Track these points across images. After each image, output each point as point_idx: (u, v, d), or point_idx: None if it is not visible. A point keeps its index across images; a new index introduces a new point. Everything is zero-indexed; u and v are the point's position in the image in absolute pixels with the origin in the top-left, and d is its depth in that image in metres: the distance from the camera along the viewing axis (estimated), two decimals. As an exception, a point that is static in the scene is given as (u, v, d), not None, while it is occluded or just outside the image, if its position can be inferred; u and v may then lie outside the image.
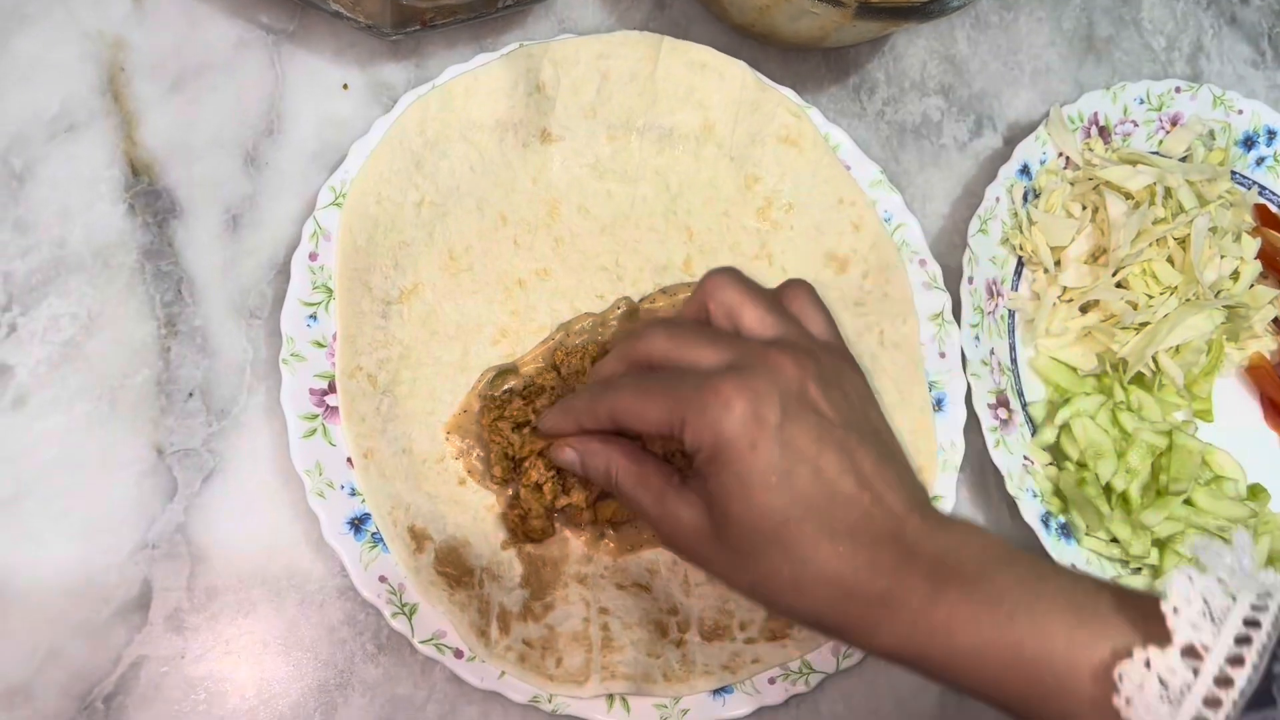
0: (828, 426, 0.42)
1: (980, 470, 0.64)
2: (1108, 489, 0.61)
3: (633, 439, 0.49)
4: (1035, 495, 0.61)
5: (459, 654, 0.51)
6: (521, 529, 0.54)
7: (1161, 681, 0.36)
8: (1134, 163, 0.67)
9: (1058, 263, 0.66)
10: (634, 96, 0.61)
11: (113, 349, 0.54)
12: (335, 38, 0.60)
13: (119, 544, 0.52)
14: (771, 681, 0.56)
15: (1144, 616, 0.38)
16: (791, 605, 0.42)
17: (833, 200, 0.64)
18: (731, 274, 0.48)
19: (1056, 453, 0.64)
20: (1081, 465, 0.62)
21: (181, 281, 0.56)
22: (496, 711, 0.54)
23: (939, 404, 0.62)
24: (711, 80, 0.62)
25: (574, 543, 0.56)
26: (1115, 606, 0.39)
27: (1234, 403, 0.70)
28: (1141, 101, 0.70)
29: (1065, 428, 0.63)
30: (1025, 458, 0.62)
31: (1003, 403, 0.62)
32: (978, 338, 0.63)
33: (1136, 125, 0.70)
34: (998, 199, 0.65)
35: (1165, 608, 0.37)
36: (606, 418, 0.47)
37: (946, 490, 0.61)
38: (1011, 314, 0.66)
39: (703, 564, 0.45)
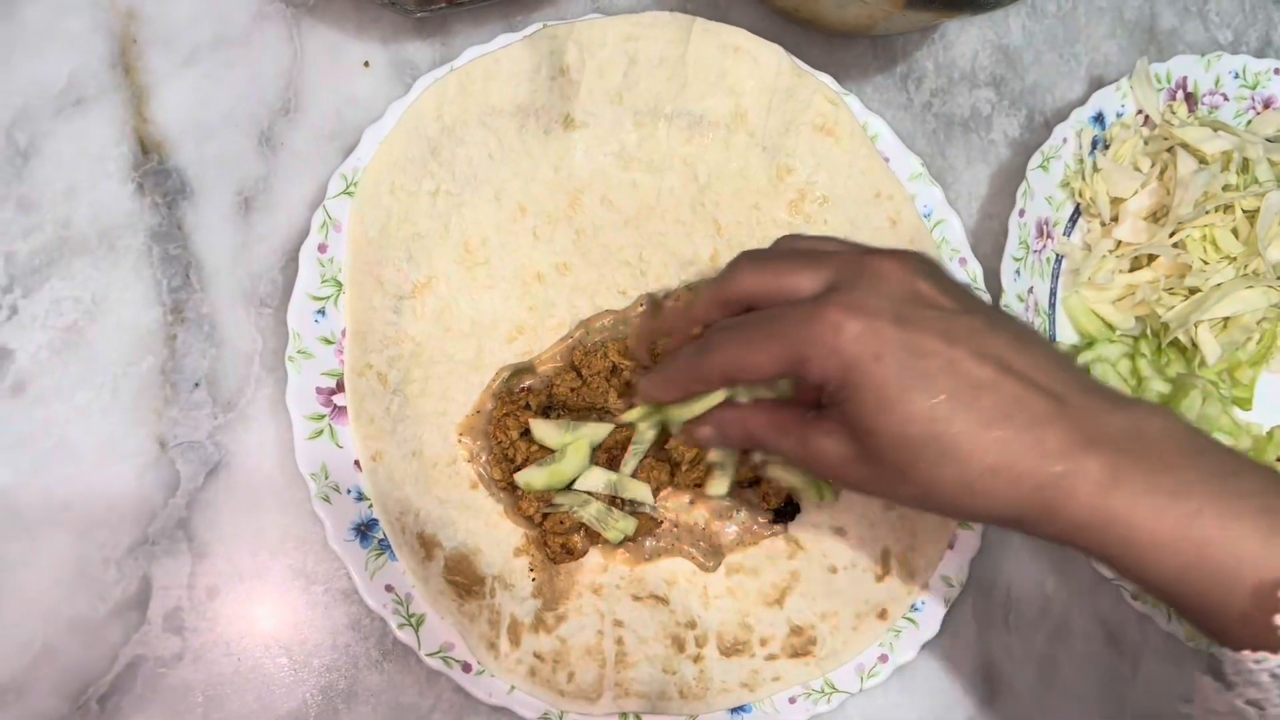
0: (949, 317, 0.41)
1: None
2: None
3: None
4: None
5: (467, 668, 0.50)
6: (563, 553, 0.53)
7: None
8: (1215, 129, 0.64)
9: (1115, 217, 0.64)
10: (663, 81, 0.58)
11: (116, 335, 0.52)
12: (358, 12, 0.58)
13: (118, 539, 0.50)
14: (792, 701, 0.54)
15: None
16: (965, 506, 0.41)
17: (869, 194, 0.60)
18: (795, 234, 0.48)
19: None
20: None
21: (190, 266, 0.54)
22: (504, 725, 0.52)
23: (976, 413, 0.59)
24: (745, 65, 0.59)
25: (590, 551, 0.54)
26: None
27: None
28: (1236, 76, 0.67)
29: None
30: None
31: None
32: (1018, 272, 0.60)
33: (1227, 99, 0.67)
34: (1065, 139, 0.63)
35: None
36: (717, 377, 0.45)
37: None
38: (1059, 259, 0.63)
39: (863, 488, 0.44)
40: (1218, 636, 0.39)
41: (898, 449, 0.40)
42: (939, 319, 0.40)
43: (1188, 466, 0.39)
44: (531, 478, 0.52)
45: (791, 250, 0.46)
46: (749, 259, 0.46)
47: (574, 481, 0.53)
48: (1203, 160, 0.63)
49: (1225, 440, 0.61)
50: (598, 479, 0.53)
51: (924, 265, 0.43)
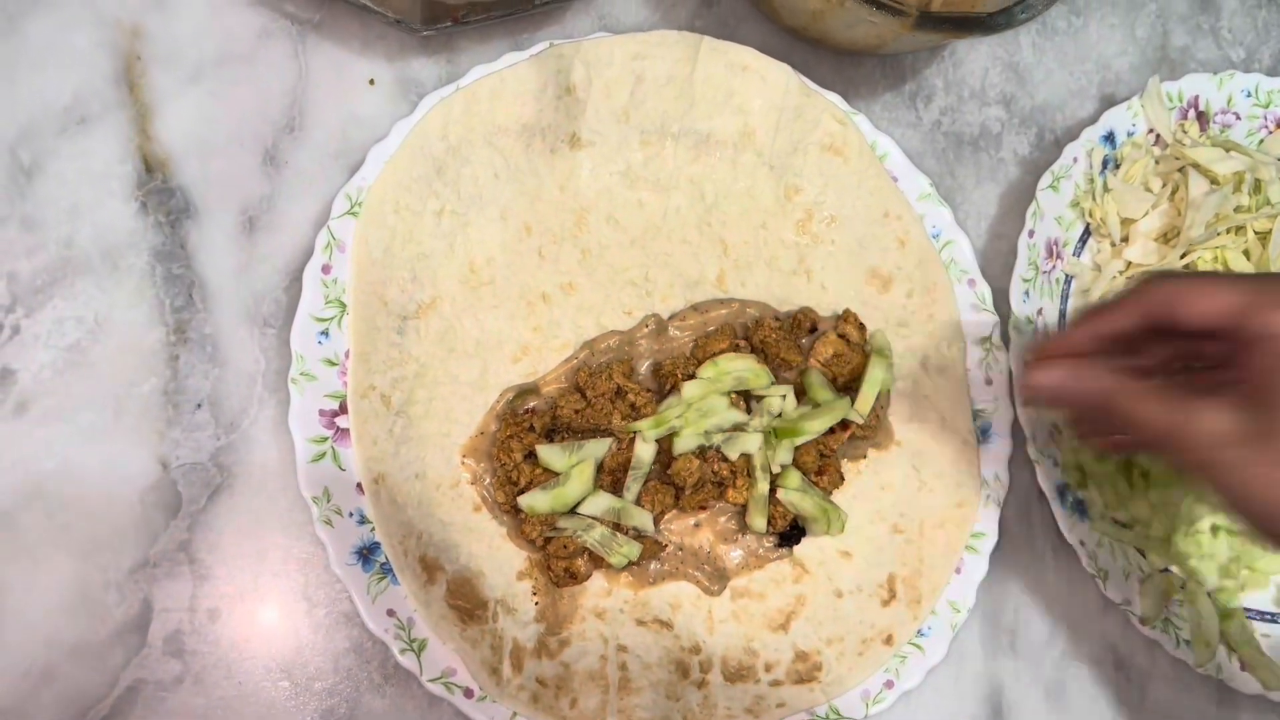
0: None
1: (1025, 507, 0.61)
2: (1129, 465, 0.60)
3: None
4: (1056, 464, 0.59)
5: (469, 693, 0.49)
6: (566, 576, 0.52)
7: None
8: (1227, 149, 0.63)
9: (1125, 238, 0.63)
10: (670, 100, 0.57)
11: (119, 355, 0.52)
12: (363, 30, 0.57)
13: (119, 561, 0.50)
14: (796, 727, 0.53)
15: None
16: None
17: (878, 214, 0.60)
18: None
19: None
20: None
21: (193, 286, 0.53)
22: (505, 750, 0.51)
23: (984, 434, 0.59)
24: (753, 84, 0.58)
25: (594, 574, 0.54)
26: None
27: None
28: (1249, 94, 0.66)
29: None
30: (1054, 425, 0.60)
31: None
32: (1027, 293, 0.60)
33: (1239, 118, 0.66)
34: (1075, 159, 0.62)
35: None
36: (1158, 303, 0.45)
37: (989, 528, 0.58)
38: (1068, 280, 0.63)
39: (1223, 468, 0.42)
40: None
41: None
42: None
43: None
44: (535, 501, 0.52)
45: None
46: (1163, 276, 0.47)
47: (578, 505, 0.52)
48: (1214, 181, 0.62)
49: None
50: (601, 503, 0.52)
51: None
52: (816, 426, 0.54)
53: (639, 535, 0.53)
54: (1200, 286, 0.44)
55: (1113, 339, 0.47)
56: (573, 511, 0.52)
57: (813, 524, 0.55)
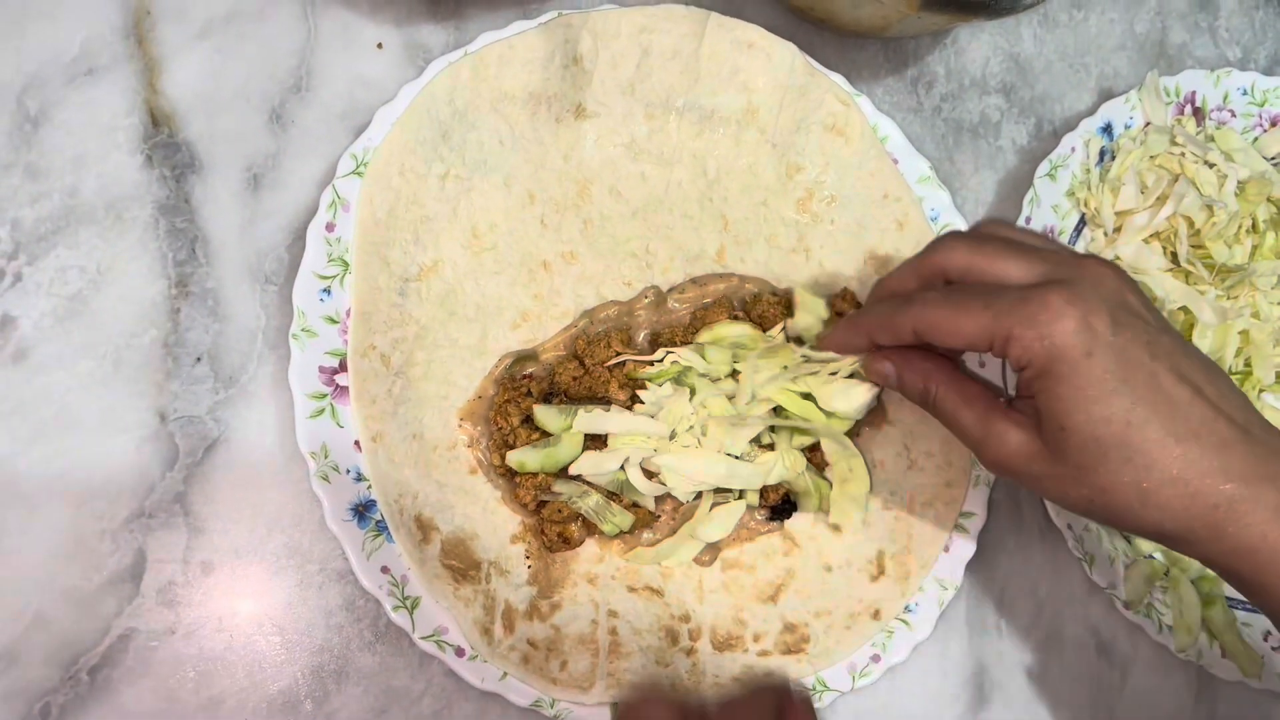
0: (1155, 333, 0.42)
1: (1014, 488, 0.61)
2: None
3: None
4: None
5: (460, 652, 0.49)
6: (559, 541, 0.53)
7: None
8: (1228, 157, 0.65)
9: (1119, 229, 0.64)
10: (675, 74, 0.58)
11: (120, 306, 0.52)
12: (372, -7, 0.58)
13: (114, 510, 0.50)
14: (782, 697, 0.53)
15: None
16: (1136, 515, 0.42)
17: (877, 195, 0.60)
18: (1001, 220, 0.48)
19: None
20: None
21: (196, 240, 0.53)
22: (495, 711, 0.52)
23: (975, 418, 0.60)
24: (758, 61, 0.59)
25: (586, 540, 0.54)
26: None
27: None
28: (1244, 93, 0.67)
29: None
30: None
31: None
32: None
33: (1234, 115, 0.67)
34: (1073, 149, 0.63)
35: None
36: (909, 331, 0.45)
37: (978, 508, 0.58)
38: None
39: (1032, 483, 0.44)
40: None
41: (1086, 449, 0.41)
42: (1145, 330, 0.42)
43: None
44: (525, 458, 0.52)
45: (1004, 237, 0.46)
46: (960, 237, 0.46)
47: (569, 467, 0.52)
48: (1210, 201, 0.63)
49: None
50: (596, 464, 0.52)
51: (1129, 280, 0.44)
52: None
53: (633, 505, 0.54)
54: (951, 316, 0.43)
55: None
56: (567, 475, 0.53)
57: (804, 499, 0.56)
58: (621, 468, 0.52)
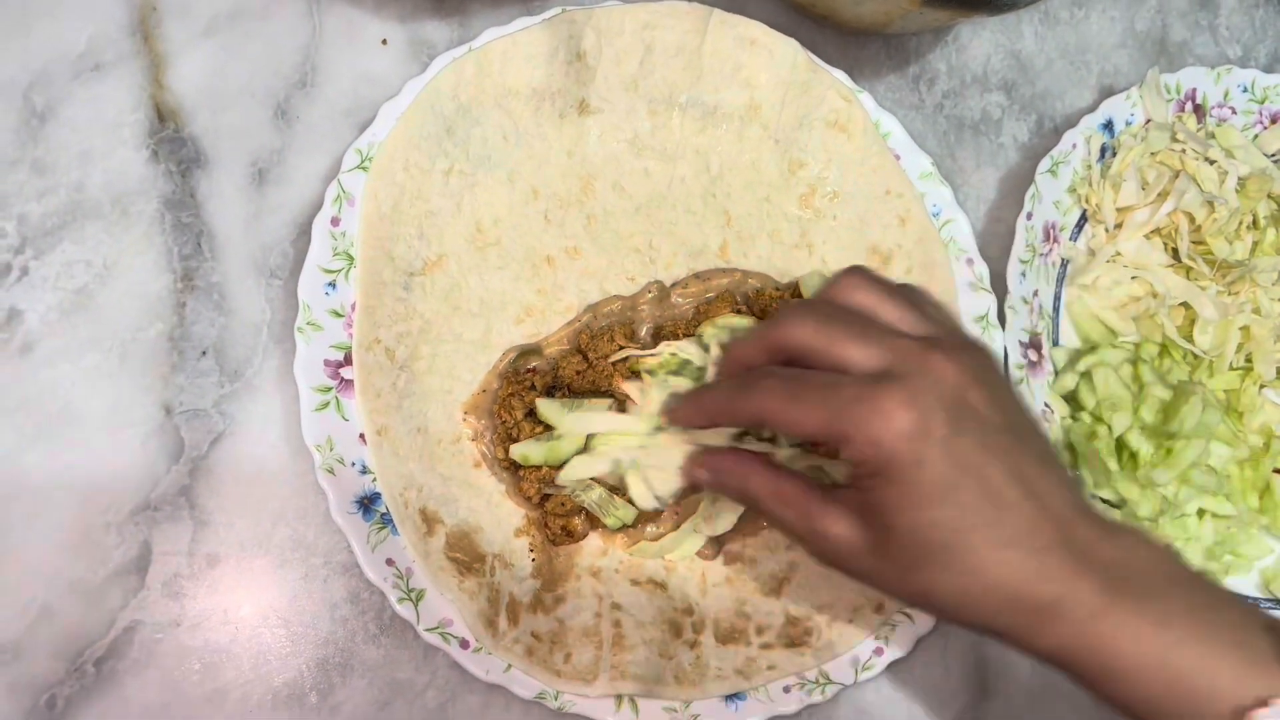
0: (990, 433, 0.41)
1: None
2: (1119, 445, 0.60)
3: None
4: None
5: (465, 644, 0.50)
6: (563, 535, 0.53)
7: None
8: (1228, 154, 0.65)
9: (1120, 224, 0.65)
10: (679, 70, 0.58)
11: (126, 300, 0.52)
12: (376, -10, 0.58)
13: (120, 503, 0.50)
14: (786, 690, 0.54)
15: None
16: (956, 613, 0.42)
17: (879, 191, 0.61)
18: (864, 273, 0.46)
19: (1074, 403, 0.62)
20: (1097, 418, 0.60)
21: (201, 235, 0.54)
22: (499, 703, 0.52)
23: (977, 413, 0.60)
24: (761, 58, 0.59)
25: (590, 534, 0.54)
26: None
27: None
28: (1245, 90, 0.68)
29: (1086, 376, 0.61)
30: (1045, 404, 0.61)
31: (1035, 344, 0.61)
32: (1024, 274, 0.61)
33: (1234, 112, 0.68)
34: (1074, 145, 0.63)
35: None
36: (748, 417, 0.45)
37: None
38: (1064, 263, 0.64)
39: (858, 576, 0.44)
40: None
41: (911, 549, 0.41)
42: (980, 432, 0.41)
43: (1172, 597, 0.41)
44: (529, 451, 0.52)
45: (852, 316, 0.44)
46: (809, 311, 0.44)
47: (570, 459, 0.52)
48: (1210, 197, 0.63)
49: (1223, 450, 0.61)
50: (597, 464, 0.52)
51: (979, 369, 0.43)
52: None
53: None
54: (788, 410, 0.43)
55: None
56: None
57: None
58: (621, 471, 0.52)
